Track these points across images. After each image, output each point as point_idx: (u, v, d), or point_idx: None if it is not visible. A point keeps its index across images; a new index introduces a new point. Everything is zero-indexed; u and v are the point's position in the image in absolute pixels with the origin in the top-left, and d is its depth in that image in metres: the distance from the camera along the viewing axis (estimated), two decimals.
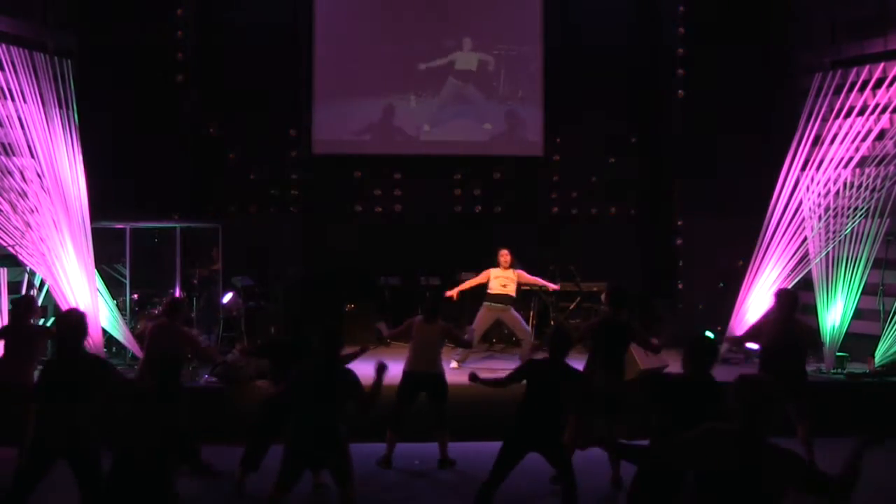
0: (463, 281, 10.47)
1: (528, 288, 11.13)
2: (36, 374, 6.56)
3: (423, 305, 7.88)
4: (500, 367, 9.45)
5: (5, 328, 7.58)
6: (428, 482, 7.33)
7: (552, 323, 11.07)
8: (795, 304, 7.32)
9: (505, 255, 10.12)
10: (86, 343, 6.21)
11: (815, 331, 8.05)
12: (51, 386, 5.46)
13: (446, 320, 7.92)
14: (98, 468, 5.34)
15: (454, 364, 9.81)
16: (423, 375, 7.56)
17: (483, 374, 6.63)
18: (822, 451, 7.15)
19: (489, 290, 10.02)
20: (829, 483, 3.65)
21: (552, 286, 10.50)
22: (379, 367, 5.83)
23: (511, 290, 10.03)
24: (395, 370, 7.86)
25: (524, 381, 6.15)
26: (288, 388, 5.85)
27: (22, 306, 7.48)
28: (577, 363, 6.72)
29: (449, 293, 10.24)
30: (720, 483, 3.64)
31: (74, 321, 5.71)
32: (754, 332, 7.66)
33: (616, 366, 7.04)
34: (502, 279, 10.03)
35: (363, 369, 5.98)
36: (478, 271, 10.29)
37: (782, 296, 7.33)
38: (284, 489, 5.63)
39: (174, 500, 5.05)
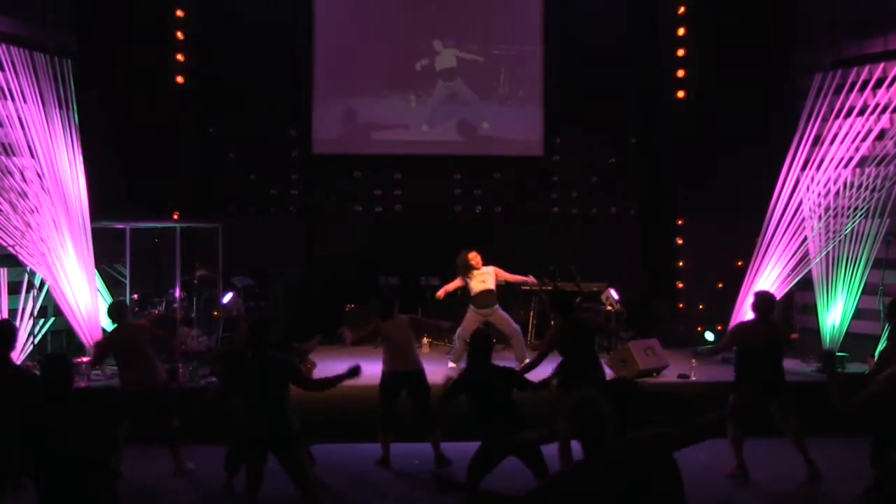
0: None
1: (528, 288, 11.15)
2: None
3: (378, 305, 7.89)
4: None
5: None
6: (428, 482, 7.32)
7: (552, 323, 11.05)
8: (772, 306, 7.32)
9: (475, 258, 9.97)
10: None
11: (790, 330, 7.97)
12: None
13: (407, 313, 7.97)
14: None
15: (451, 364, 9.80)
16: (402, 374, 7.58)
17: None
18: (823, 451, 7.18)
19: (472, 293, 9.90)
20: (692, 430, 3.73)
21: (530, 279, 10.40)
22: (351, 370, 5.98)
23: (490, 285, 9.91)
24: (377, 370, 7.85)
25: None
26: (228, 388, 5.95)
27: None
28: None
29: (438, 293, 10.20)
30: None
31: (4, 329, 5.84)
32: (734, 333, 7.63)
33: (591, 366, 7.04)
34: (479, 277, 9.92)
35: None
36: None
37: (759, 298, 7.32)
38: (255, 485, 5.78)
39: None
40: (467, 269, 9.94)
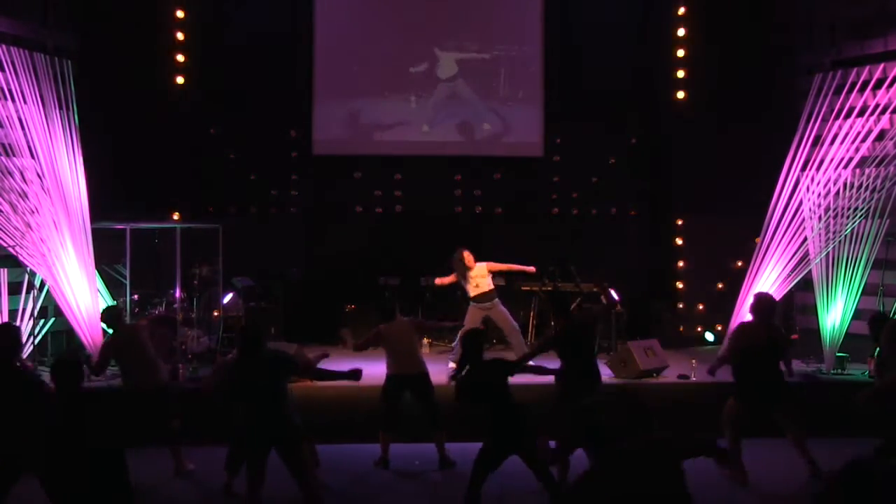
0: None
1: (527, 288, 11.15)
2: None
3: (378, 308, 7.90)
4: None
5: None
6: (427, 483, 7.33)
7: (552, 323, 11.04)
8: (772, 308, 7.30)
9: (468, 258, 9.74)
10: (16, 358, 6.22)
11: (787, 337, 7.94)
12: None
13: (409, 315, 7.98)
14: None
15: (452, 364, 9.79)
16: (406, 377, 7.57)
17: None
18: (823, 451, 7.17)
19: (470, 294, 9.77)
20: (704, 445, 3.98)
21: (528, 269, 10.21)
22: (352, 371, 6.15)
23: (485, 287, 9.75)
24: (378, 370, 7.85)
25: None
26: (229, 388, 6.02)
27: None
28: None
29: (438, 281, 10.21)
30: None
31: (10, 334, 5.93)
32: (734, 338, 7.55)
33: (588, 369, 7.01)
34: (475, 280, 9.73)
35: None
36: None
37: (757, 300, 7.30)
38: (256, 484, 5.80)
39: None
40: (462, 269, 9.77)
